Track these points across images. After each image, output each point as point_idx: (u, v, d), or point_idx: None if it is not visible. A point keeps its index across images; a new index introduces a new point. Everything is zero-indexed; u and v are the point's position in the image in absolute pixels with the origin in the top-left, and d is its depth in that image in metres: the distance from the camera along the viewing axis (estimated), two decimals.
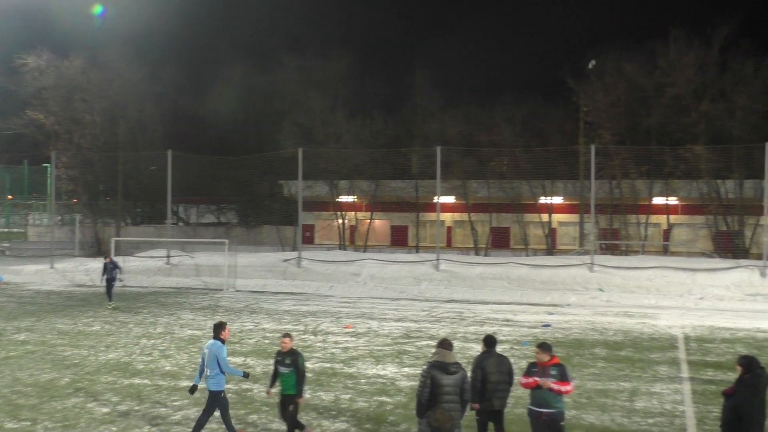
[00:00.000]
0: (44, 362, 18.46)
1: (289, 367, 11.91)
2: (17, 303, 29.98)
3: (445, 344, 10.62)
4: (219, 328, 12.45)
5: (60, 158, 50.60)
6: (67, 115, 51.86)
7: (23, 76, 51.55)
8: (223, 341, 12.29)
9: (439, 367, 10.17)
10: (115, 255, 38.01)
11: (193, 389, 12.70)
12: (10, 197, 66.95)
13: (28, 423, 13.30)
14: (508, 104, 47.97)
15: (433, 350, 10.82)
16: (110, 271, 29.08)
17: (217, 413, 12.23)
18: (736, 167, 40.66)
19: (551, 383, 10.58)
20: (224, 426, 12.21)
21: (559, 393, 10.58)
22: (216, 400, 12.13)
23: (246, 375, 13.05)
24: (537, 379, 10.73)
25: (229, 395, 15.24)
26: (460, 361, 10.75)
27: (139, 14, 70.77)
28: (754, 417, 9.92)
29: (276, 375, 12.26)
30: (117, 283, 29.51)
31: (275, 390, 12.39)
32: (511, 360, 18.66)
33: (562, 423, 10.64)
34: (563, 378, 10.61)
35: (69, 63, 52.00)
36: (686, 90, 42.02)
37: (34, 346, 20.52)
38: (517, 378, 11.41)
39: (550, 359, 10.77)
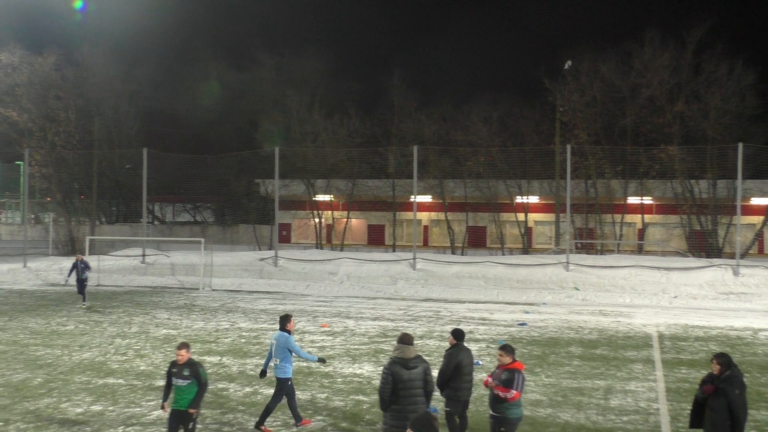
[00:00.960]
0: (17, 362, 18.26)
1: (188, 379, 10.98)
2: None
3: (404, 340, 10.56)
4: (285, 320, 13.21)
5: (33, 156, 50.09)
6: (41, 113, 51.33)
7: None
8: (289, 332, 13.07)
9: (399, 363, 10.20)
10: (90, 254, 37.72)
11: (263, 374, 13.66)
12: None
13: (1, 423, 13.16)
14: (484, 104, 48.18)
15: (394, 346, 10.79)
16: (82, 270, 28.78)
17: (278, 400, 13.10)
18: (710, 167, 41.10)
19: (494, 385, 10.56)
20: (290, 413, 13.16)
21: (498, 398, 10.49)
22: (283, 388, 12.91)
23: (322, 360, 14.00)
24: (489, 379, 10.75)
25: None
26: (430, 356, 10.76)
27: (114, 11, 70.36)
28: (744, 414, 10.04)
29: (170, 388, 11.32)
30: (87, 283, 29.23)
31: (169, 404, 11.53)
32: (487, 359, 18.84)
33: (501, 429, 10.52)
34: (508, 384, 10.44)
35: (43, 60, 51.48)
36: (661, 91, 42.40)
37: (6, 346, 20.29)
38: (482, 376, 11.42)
39: (510, 363, 10.66)
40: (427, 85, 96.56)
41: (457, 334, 11.99)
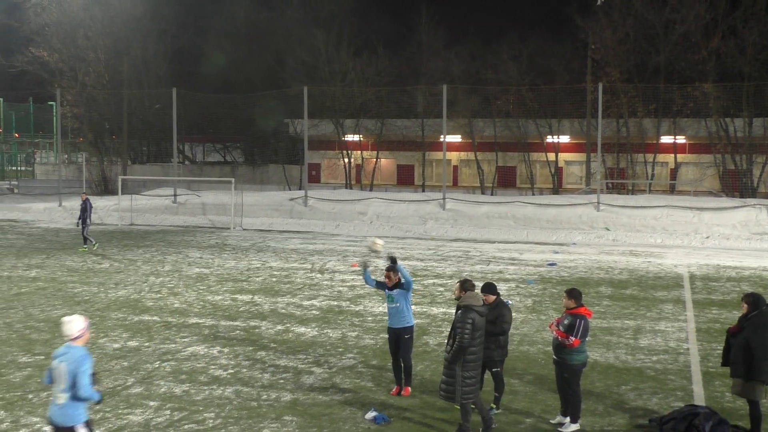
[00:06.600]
0: (55, 299, 18.69)
1: None
2: (27, 240, 30.23)
3: (471, 286, 10.41)
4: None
5: (65, 96, 50.33)
6: (71, 53, 51.40)
7: (25, 12, 50.97)
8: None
9: (476, 310, 10.07)
10: (123, 193, 38.17)
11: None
12: (16, 135, 66.87)
13: (42, 357, 13.53)
14: (514, 42, 47.40)
15: (458, 293, 10.49)
16: (87, 210, 27.46)
17: None
18: (746, 105, 40.29)
19: (555, 329, 10.42)
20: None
21: (560, 343, 10.30)
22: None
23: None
24: (554, 322, 10.69)
25: (236, 332, 15.48)
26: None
27: None
28: (765, 354, 10.01)
29: None
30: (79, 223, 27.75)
31: None
32: (517, 298, 18.93)
33: (564, 374, 10.39)
34: (569, 329, 10.18)
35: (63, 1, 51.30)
36: (696, 26, 41.35)
37: (45, 283, 20.75)
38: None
39: (574, 307, 10.35)
40: (455, 22, 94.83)
41: (490, 289, 11.21)
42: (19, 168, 65.24)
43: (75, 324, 8.03)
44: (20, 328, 15.74)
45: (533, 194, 43.49)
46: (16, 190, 52.66)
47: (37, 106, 65.39)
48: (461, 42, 50.04)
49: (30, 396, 11.70)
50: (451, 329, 10.23)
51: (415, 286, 14.06)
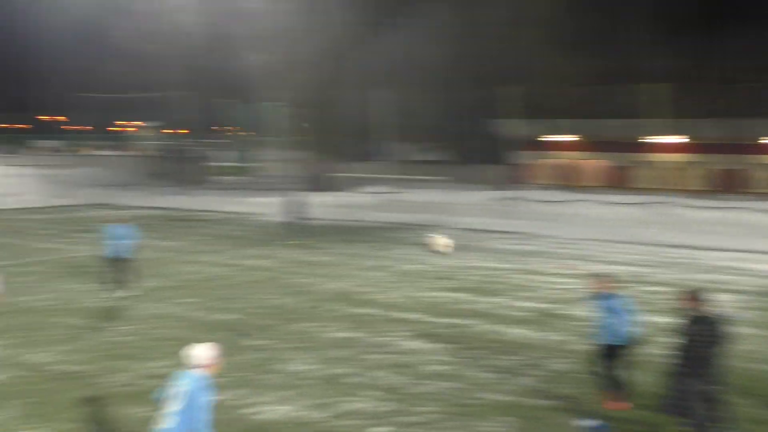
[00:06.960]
0: (272, 287, 19.88)
1: None
2: (248, 232, 32.21)
3: (701, 295, 9.86)
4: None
5: (287, 97, 53.05)
6: (292, 56, 53.97)
7: (248, 18, 54.19)
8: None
9: (710, 321, 9.60)
10: (339, 190, 39.75)
11: None
12: (245, 134, 72.15)
13: (262, 342, 14.48)
14: (737, 35, 44.47)
15: (688, 303, 9.86)
16: (299, 206, 29.21)
17: None
18: None
19: None
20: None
21: None
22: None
23: None
24: None
25: (451, 329, 15.64)
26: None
27: None
28: None
29: None
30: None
31: None
32: (742, 312, 17.66)
33: None
34: None
35: (282, 7, 53.77)
36: None
37: (264, 272, 22.06)
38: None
39: None
40: (672, 15, 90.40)
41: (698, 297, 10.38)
42: (247, 164, 70.11)
43: (205, 352, 7.56)
44: (241, 315, 16.89)
45: (761, 200, 40.39)
46: (244, 185, 56.57)
47: (264, 107, 69.51)
48: (681, 36, 47.58)
49: (259, 377, 12.51)
50: (681, 340, 9.69)
51: (631, 294, 13.32)
